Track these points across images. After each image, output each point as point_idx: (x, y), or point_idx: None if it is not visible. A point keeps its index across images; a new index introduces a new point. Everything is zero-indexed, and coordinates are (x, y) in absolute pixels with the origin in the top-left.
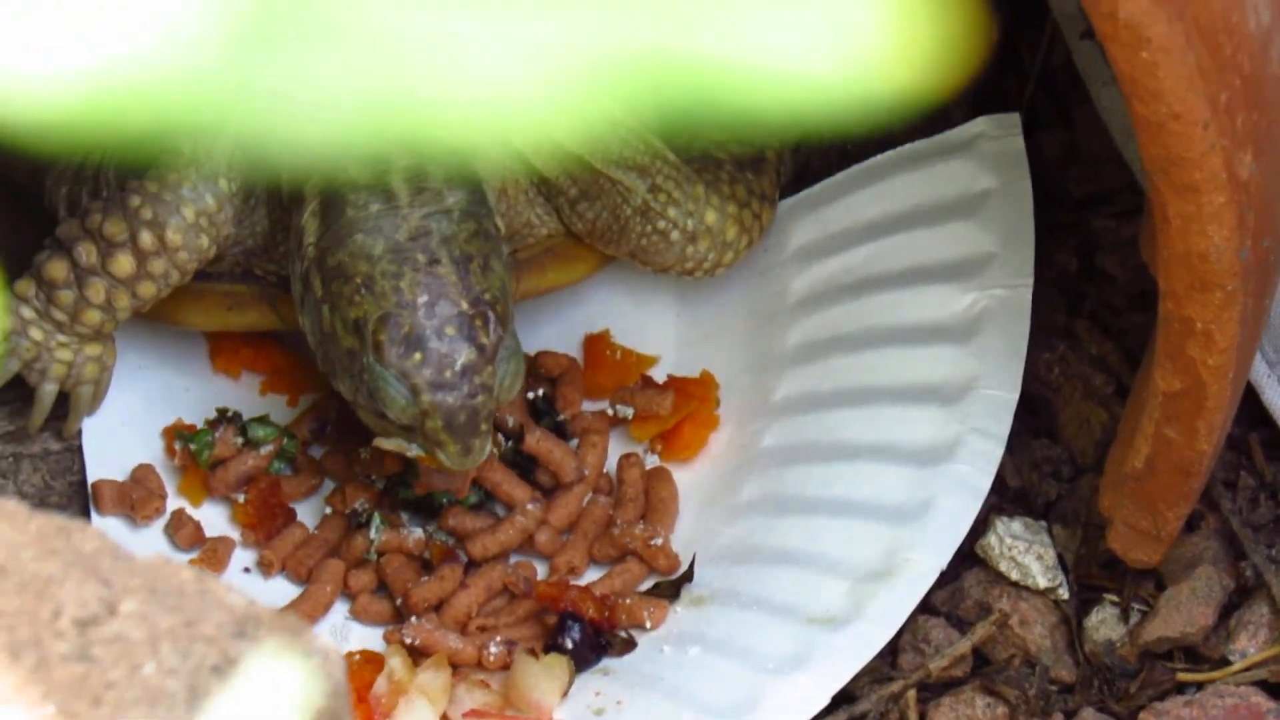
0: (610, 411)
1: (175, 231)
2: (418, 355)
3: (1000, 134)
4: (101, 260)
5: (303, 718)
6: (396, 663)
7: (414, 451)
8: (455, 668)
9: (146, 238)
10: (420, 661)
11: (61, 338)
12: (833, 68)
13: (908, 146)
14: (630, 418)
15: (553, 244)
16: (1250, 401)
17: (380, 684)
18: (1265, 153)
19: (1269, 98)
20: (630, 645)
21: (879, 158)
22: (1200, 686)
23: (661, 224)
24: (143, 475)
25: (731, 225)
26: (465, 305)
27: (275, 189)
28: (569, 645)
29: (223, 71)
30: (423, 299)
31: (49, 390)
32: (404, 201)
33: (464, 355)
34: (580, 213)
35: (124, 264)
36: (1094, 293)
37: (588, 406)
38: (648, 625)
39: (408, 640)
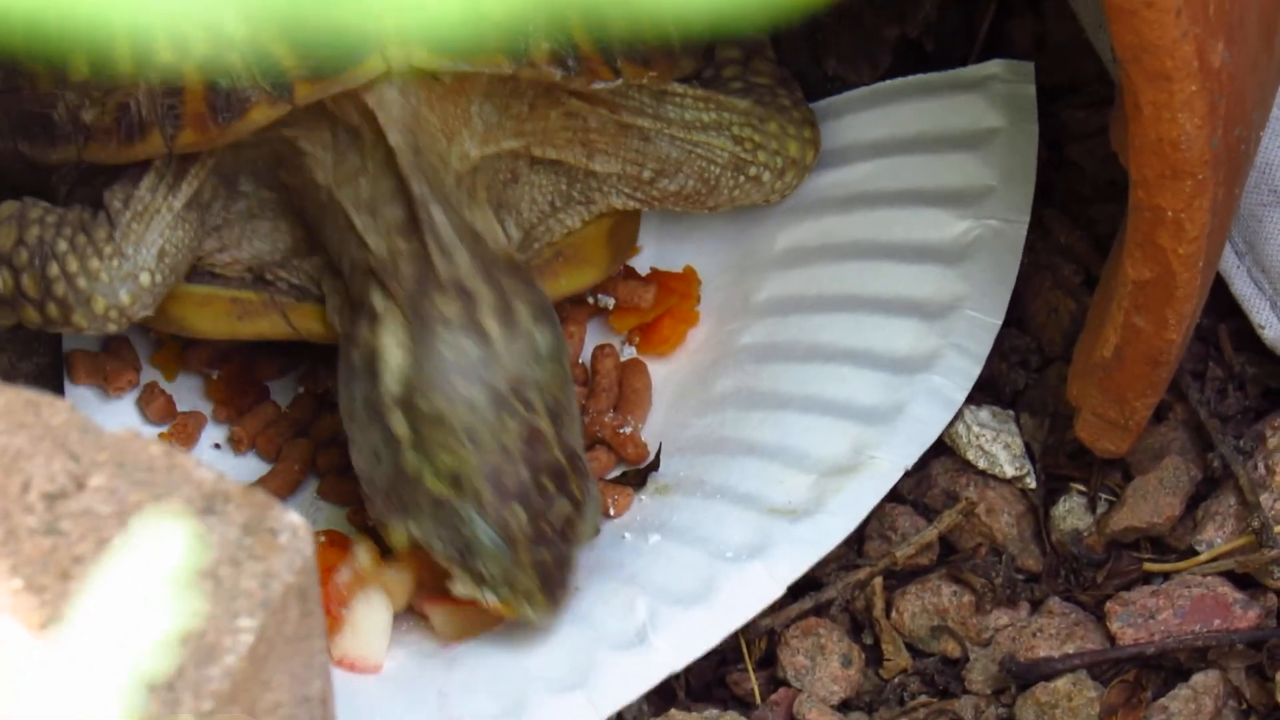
0: (591, 300)
1: (82, 318)
2: (520, 511)
3: (1013, 79)
4: (13, 300)
5: (183, 580)
6: (363, 553)
7: (491, 600)
8: None
9: (53, 310)
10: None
11: None
12: None
13: (917, 77)
14: (611, 308)
15: (561, 246)
16: (1219, 292)
17: (344, 572)
18: (1237, 41)
19: None
20: (596, 533)
21: (886, 83)
22: (1167, 577)
23: (753, 170)
24: (117, 347)
25: (810, 150)
26: (562, 459)
27: (302, 198)
28: None
29: None
30: (524, 453)
31: None
32: (498, 343)
33: (561, 510)
34: (660, 189)
35: (31, 316)
36: (1063, 183)
37: None
38: (611, 512)
39: (371, 520)
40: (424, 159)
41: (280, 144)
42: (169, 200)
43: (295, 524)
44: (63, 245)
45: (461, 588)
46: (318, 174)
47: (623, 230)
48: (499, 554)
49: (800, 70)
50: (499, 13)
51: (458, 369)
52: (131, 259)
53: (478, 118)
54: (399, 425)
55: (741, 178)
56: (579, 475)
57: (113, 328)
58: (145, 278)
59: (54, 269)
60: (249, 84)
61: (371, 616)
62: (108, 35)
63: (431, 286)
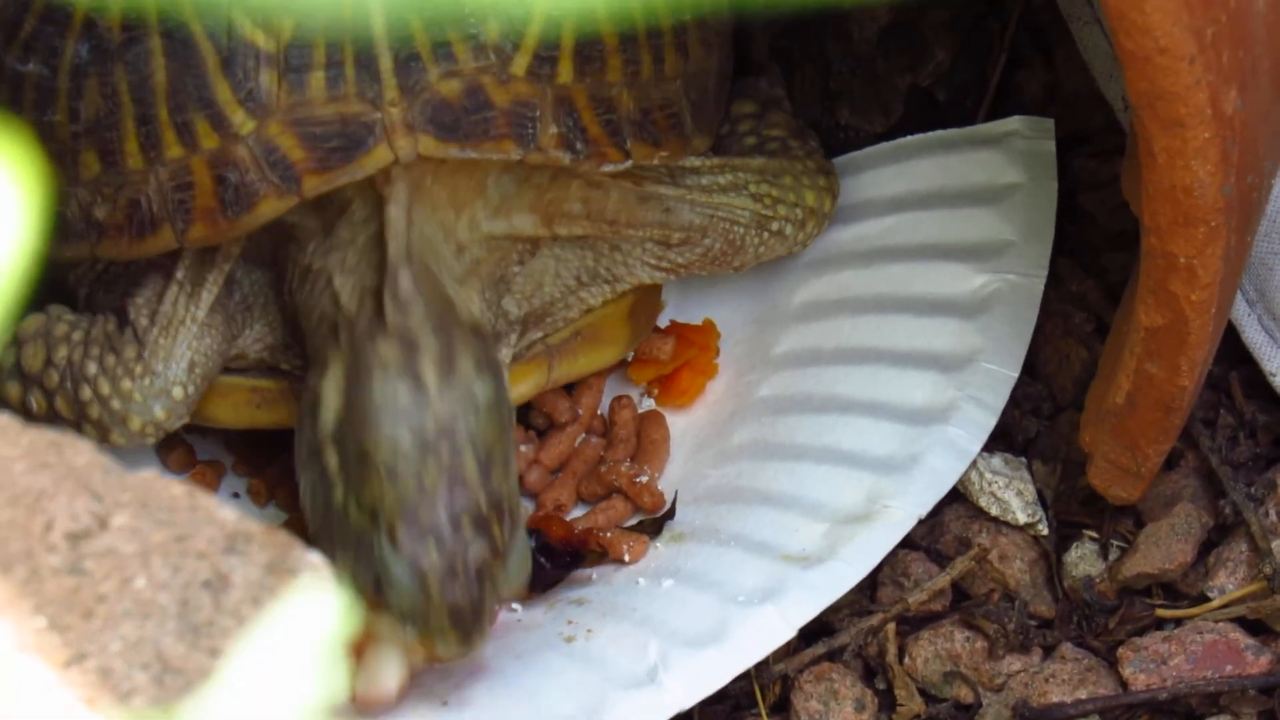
0: None
1: (119, 436)
2: (433, 549)
3: (1033, 135)
4: (48, 419)
5: (327, 652)
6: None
7: (410, 636)
8: None
9: (90, 431)
10: None
11: None
12: None
13: (937, 133)
14: (630, 360)
15: (580, 326)
16: (1230, 340)
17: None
18: (1250, 89)
19: (1254, 34)
20: (603, 556)
21: (906, 139)
22: (1179, 623)
23: (775, 225)
24: None
25: (827, 198)
26: (484, 505)
27: (285, 262)
28: None
29: None
30: (443, 494)
31: None
32: (432, 390)
33: (477, 553)
34: (681, 253)
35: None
36: (1074, 232)
37: None
38: (626, 559)
39: None
40: (417, 229)
41: (277, 225)
42: (192, 310)
43: (316, 563)
44: (92, 368)
45: (383, 624)
46: (309, 247)
47: (642, 309)
48: (410, 590)
49: (813, 120)
50: (505, 99)
51: (387, 411)
52: (162, 375)
53: (494, 189)
54: (330, 460)
55: (765, 234)
56: (503, 525)
57: (150, 441)
58: (178, 391)
59: (86, 392)
60: (257, 176)
61: (384, 656)
62: (117, 132)
63: (377, 334)
